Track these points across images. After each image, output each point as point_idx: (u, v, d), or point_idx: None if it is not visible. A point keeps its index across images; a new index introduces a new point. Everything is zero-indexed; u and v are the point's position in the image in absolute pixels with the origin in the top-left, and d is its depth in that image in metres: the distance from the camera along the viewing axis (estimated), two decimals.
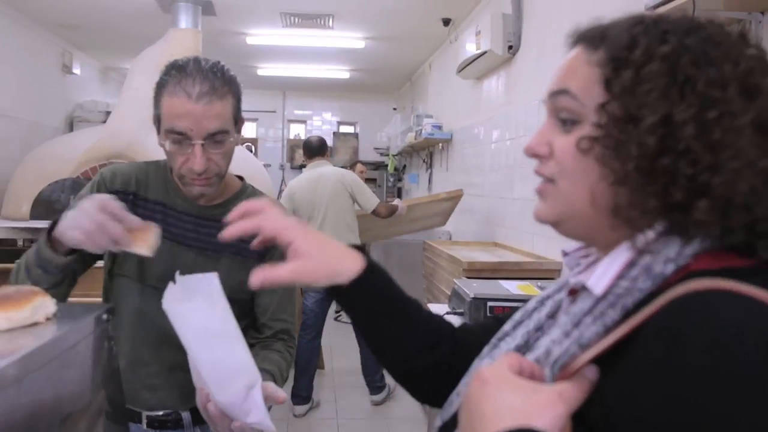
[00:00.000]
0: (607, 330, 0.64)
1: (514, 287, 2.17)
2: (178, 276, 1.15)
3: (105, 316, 1.14)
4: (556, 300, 0.80)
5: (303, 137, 9.57)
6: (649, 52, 0.66)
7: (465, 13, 5.20)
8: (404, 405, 4.31)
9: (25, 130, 5.67)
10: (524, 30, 3.97)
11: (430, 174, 6.69)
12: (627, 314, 0.63)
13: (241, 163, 4.34)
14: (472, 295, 2.02)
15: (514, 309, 1.99)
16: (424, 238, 5.43)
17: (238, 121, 1.42)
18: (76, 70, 6.87)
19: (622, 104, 0.66)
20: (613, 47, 0.68)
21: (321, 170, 4.32)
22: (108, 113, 6.57)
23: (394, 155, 7.82)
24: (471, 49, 4.45)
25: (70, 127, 6.64)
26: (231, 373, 1.15)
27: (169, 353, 1.43)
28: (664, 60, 0.65)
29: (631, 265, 0.66)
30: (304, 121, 9.67)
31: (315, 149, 4.48)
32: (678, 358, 0.55)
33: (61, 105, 6.57)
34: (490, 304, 2.01)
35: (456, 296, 2.17)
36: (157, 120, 1.37)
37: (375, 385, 4.37)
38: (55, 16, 5.65)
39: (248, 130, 9.56)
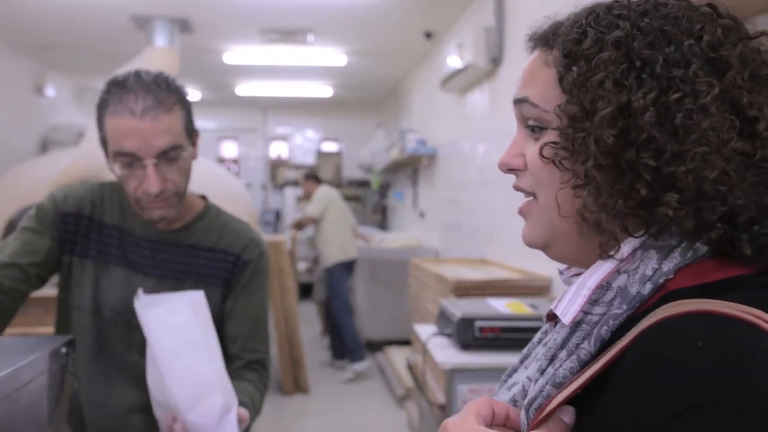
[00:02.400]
0: (583, 365, 0.57)
1: (502, 305, 2.06)
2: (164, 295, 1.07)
3: (64, 350, 1.02)
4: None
5: (285, 156, 9.46)
6: (600, 40, 0.61)
7: (446, 26, 5.13)
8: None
9: None
10: (507, 42, 3.90)
11: (416, 191, 6.59)
12: (603, 346, 0.58)
13: (222, 182, 4.29)
14: (459, 315, 1.90)
15: (505, 329, 1.89)
16: (409, 256, 5.34)
17: (191, 134, 1.31)
18: (50, 92, 6.73)
19: (575, 100, 0.61)
20: (564, 43, 0.64)
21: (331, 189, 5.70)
22: (81, 134, 6.42)
23: (378, 172, 7.72)
24: (454, 62, 4.38)
25: (44, 149, 6.48)
26: (206, 389, 1.06)
27: (129, 392, 1.31)
28: (617, 46, 0.59)
29: (605, 287, 0.59)
30: (285, 139, 9.55)
31: (319, 177, 5.93)
32: (648, 407, 0.49)
33: (34, 127, 6.41)
34: (478, 324, 1.90)
35: (443, 317, 2.05)
36: (104, 142, 1.26)
37: (358, 354, 5.10)
38: (28, 37, 5.51)
39: (229, 149, 9.43)
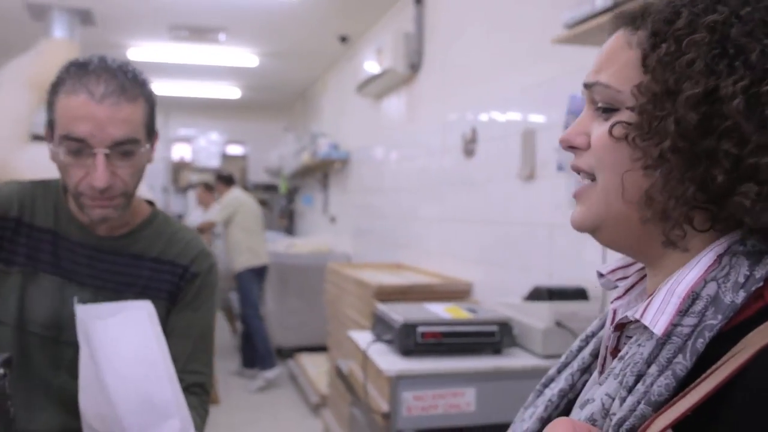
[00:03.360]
0: (680, 383, 0.53)
1: (441, 310, 2.05)
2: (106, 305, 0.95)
3: (1, 371, 0.90)
4: (600, 337, 0.70)
5: (188, 158, 9.13)
6: (694, 22, 0.58)
7: (362, 30, 5.12)
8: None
9: None
10: (426, 49, 3.93)
11: (326, 195, 6.53)
12: (700, 359, 0.53)
13: None
14: (401, 321, 1.87)
15: (446, 334, 1.88)
16: (320, 262, 5.28)
17: (151, 133, 1.19)
18: None
19: (659, 78, 0.58)
20: (654, 23, 0.61)
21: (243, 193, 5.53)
22: None
23: (286, 176, 7.59)
24: (371, 67, 4.37)
25: None
26: (163, 414, 0.96)
27: (52, 418, 1.18)
28: (711, 30, 0.57)
29: (692, 296, 0.56)
30: (189, 141, 9.22)
31: (232, 179, 5.63)
32: None
33: None
34: (420, 329, 1.87)
35: (381, 323, 2.01)
36: (51, 126, 1.13)
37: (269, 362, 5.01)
38: None
39: None
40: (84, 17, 4.75)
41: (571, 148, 0.67)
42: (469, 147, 3.26)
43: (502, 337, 1.93)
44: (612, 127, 0.61)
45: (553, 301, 1.95)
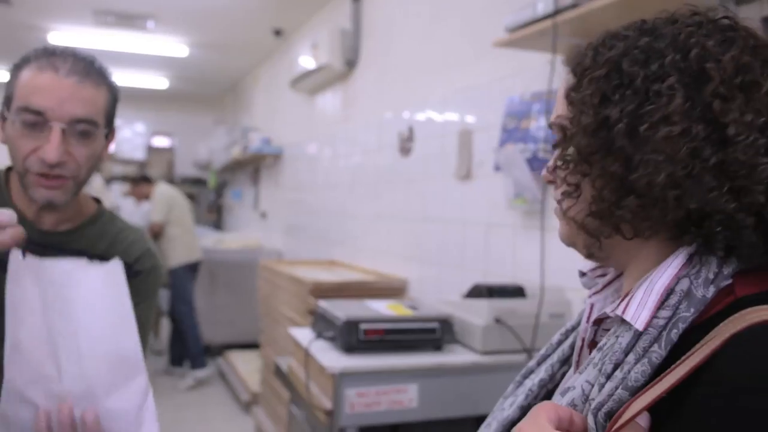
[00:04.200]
0: (656, 370, 0.58)
1: (383, 307, 2.06)
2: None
3: None
4: (580, 331, 0.73)
5: (111, 149, 8.79)
6: (597, 59, 0.65)
7: (297, 24, 5.07)
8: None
9: None
10: (363, 46, 3.93)
11: (257, 191, 6.44)
12: (673, 348, 0.58)
13: None
14: (344, 318, 1.87)
15: (389, 331, 1.89)
16: (250, 258, 5.20)
17: (110, 127, 1.17)
18: None
19: (571, 112, 0.66)
20: (572, 63, 0.69)
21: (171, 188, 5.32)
22: None
23: (215, 170, 7.44)
24: (306, 62, 4.33)
25: None
26: (133, 368, 0.92)
27: None
28: (608, 64, 0.64)
29: (668, 292, 0.61)
30: None
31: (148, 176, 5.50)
32: (747, 414, 0.51)
33: None
34: (363, 326, 1.87)
35: (322, 320, 2.00)
36: (8, 101, 1.10)
37: (199, 360, 4.89)
38: None
39: None
40: None
41: (549, 182, 0.74)
42: (406, 145, 3.28)
43: (443, 334, 1.96)
44: (554, 159, 0.71)
45: (493, 298, 1.99)
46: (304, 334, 2.05)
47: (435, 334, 1.95)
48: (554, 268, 1.99)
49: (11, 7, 4.78)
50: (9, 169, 1.20)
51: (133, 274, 1.21)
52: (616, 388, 0.58)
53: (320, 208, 4.60)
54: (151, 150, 8.90)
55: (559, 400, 0.64)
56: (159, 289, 1.31)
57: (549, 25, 1.81)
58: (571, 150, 0.66)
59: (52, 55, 1.09)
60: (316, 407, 1.80)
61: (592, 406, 0.58)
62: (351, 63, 4.00)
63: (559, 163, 0.68)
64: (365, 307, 2.04)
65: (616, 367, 0.59)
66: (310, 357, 1.88)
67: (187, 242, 5.01)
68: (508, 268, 2.44)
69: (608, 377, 0.59)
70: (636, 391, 0.57)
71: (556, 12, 1.79)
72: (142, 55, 6.12)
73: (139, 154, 8.78)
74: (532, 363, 0.78)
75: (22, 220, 1.15)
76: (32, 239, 1.15)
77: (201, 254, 5.13)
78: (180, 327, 4.97)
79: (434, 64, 3.07)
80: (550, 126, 0.72)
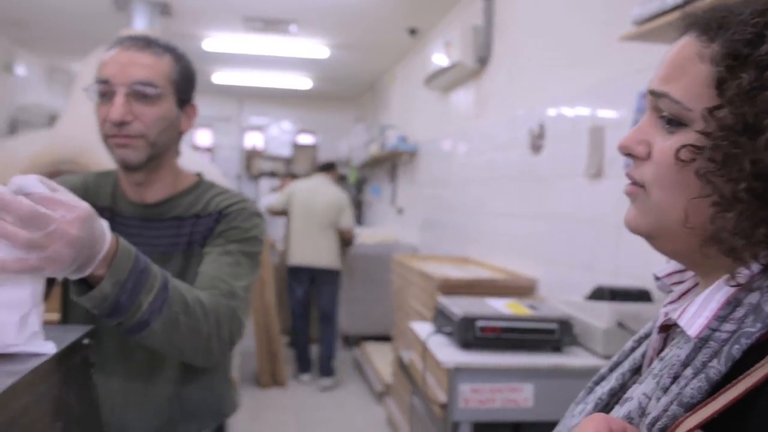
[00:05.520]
0: (713, 386, 0.54)
1: (502, 306, 2.06)
2: None
3: (86, 341, 0.98)
4: (651, 340, 0.70)
5: (261, 146, 9.35)
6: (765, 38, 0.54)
7: (432, 23, 5.13)
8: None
9: None
10: (495, 42, 3.91)
11: (394, 187, 6.59)
12: (735, 365, 0.54)
13: (198, 168, 4.20)
14: (461, 315, 1.90)
15: (505, 329, 1.90)
16: (387, 252, 5.33)
17: (182, 96, 1.29)
18: (20, 70, 6.53)
19: (737, 111, 0.55)
20: (732, 42, 0.57)
21: (320, 182, 5.13)
22: (53, 116, 6.25)
23: (355, 167, 7.69)
24: (439, 60, 4.37)
25: (12, 129, 6.29)
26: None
27: (131, 378, 1.27)
28: None
29: (733, 303, 0.56)
30: (261, 129, 9.45)
31: (322, 166, 5.43)
32: None
33: (2, 106, 6.22)
34: (479, 323, 1.90)
35: (441, 315, 2.05)
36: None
37: (329, 369, 4.83)
38: None
39: (203, 137, 9.29)
40: (163, 9, 4.95)
41: (629, 155, 0.64)
42: (537, 142, 3.23)
43: (563, 335, 1.94)
44: (679, 149, 0.58)
45: (615, 301, 1.94)
46: (423, 329, 2.11)
47: (554, 335, 1.94)
48: None
49: (172, 19, 5.23)
50: None
51: (221, 216, 1.30)
52: (671, 403, 0.55)
53: (455, 204, 4.63)
54: (297, 147, 9.36)
55: (618, 411, 0.61)
56: (253, 232, 1.30)
57: (677, 18, 1.73)
58: (730, 153, 0.55)
59: (124, 39, 1.25)
60: (432, 400, 1.85)
61: (647, 420, 0.56)
62: (483, 60, 3.99)
63: (697, 159, 0.57)
64: (483, 305, 2.05)
65: (674, 380, 0.56)
66: (428, 351, 1.93)
67: (292, 243, 4.97)
68: (639, 271, 2.35)
69: (665, 390, 0.56)
70: (691, 408, 0.53)
71: (686, 2, 1.71)
72: (287, 58, 6.46)
73: (286, 151, 9.27)
74: (604, 369, 0.74)
75: (129, 203, 1.31)
76: (137, 215, 1.31)
77: (300, 261, 4.93)
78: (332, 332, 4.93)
79: (566, 59, 3.01)
80: (655, 94, 0.61)
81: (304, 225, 4.91)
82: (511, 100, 3.63)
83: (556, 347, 1.95)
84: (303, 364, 5.00)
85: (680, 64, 0.61)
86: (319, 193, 5.00)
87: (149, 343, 1.07)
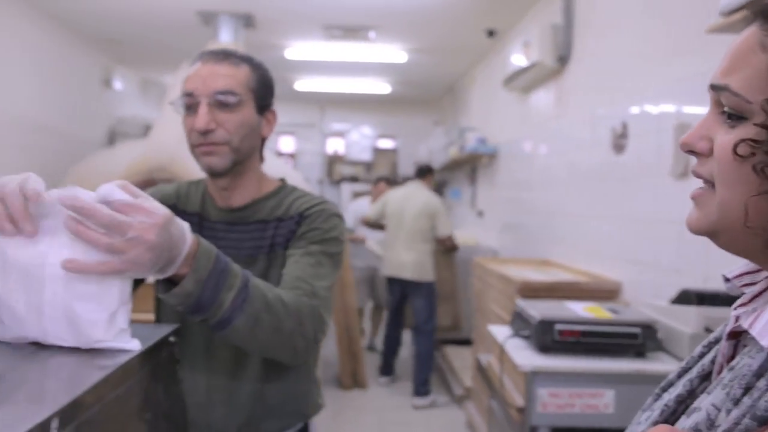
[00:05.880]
0: None
1: (581, 309, 2.02)
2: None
3: (172, 338, 1.03)
4: (721, 346, 0.66)
5: (342, 151, 9.51)
6: None
7: (511, 24, 5.08)
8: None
9: (67, 143, 5.69)
10: (575, 41, 3.83)
11: (474, 189, 6.55)
12: None
13: (282, 173, 4.32)
14: (538, 318, 1.88)
15: (585, 333, 1.86)
16: (468, 255, 5.29)
17: (261, 104, 1.34)
18: (117, 84, 6.91)
19: None
20: None
21: (413, 189, 4.94)
22: (147, 127, 6.58)
23: (435, 170, 7.69)
24: (518, 60, 4.32)
25: (111, 140, 6.67)
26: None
27: (214, 377, 1.32)
28: None
29: None
30: (342, 135, 9.60)
31: (417, 171, 5.18)
32: None
33: (101, 118, 6.60)
34: (558, 327, 1.87)
35: (519, 318, 2.03)
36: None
37: (421, 389, 4.52)
38: (98, 31, 5.68)
39: (286, 143, 9.54)
40: (247, 21, 5.12)
41: (691, 152, 0.63)
42: (619, 142, 3.14)
43: (646, 339, 1.87)
44: (737, 144, 0.56)
45: (703, 305, 1.86)
46: (501, 332, 2.09)
47: (637, 339, 1.88)
48: None
49: (255, 30, 5.41)
50: None
51: (302, 219, 1.34)
52: (743, 416, 0.51)
53: (535, 206, 4.56)
54: (377, 151, 9.46)
55: (684, 421, 0.58)
56: (332, 233, 1.33)
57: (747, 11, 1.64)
58: None
59: (206, 53, 1.32)
60: (510, 404, 1.83)
61: None
62: (563, 59, 3.92)
63: (756, 154, 0.56)
64: (562, 308, 2.02)
65: (745, 391, 0.53)
66: (505, 354, 1.91)
67: (385, 252, 4.95)
68: None
69: (736, 403, 0.53)
70: (765, 422, 0.50)
71: None
72: (366, 63, 6.55)
73: (366, 156, 9.39)
74: (672, 375, 0.71)
75: (217, 208, 1.37)
76: (224, 220, 1.37)
77: (389, 272, 4.87)
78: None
79: (649, 54, 2.91)
80: (715, 87, 0.59)
81: (394, 235, 4.80)
82: (592, 99, 3.55)
83: (640, 352, 1.89)
84: (385, 369, 5.02)
85: (742, 56, 0.58)
86: (410, 202, 4.82)
87: (233, 339, 1.11)
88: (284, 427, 1.37)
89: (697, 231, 0.64)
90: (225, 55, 1.31)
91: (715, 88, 0.60)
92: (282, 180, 1.46)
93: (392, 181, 5.71)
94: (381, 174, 7.91)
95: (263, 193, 1.40)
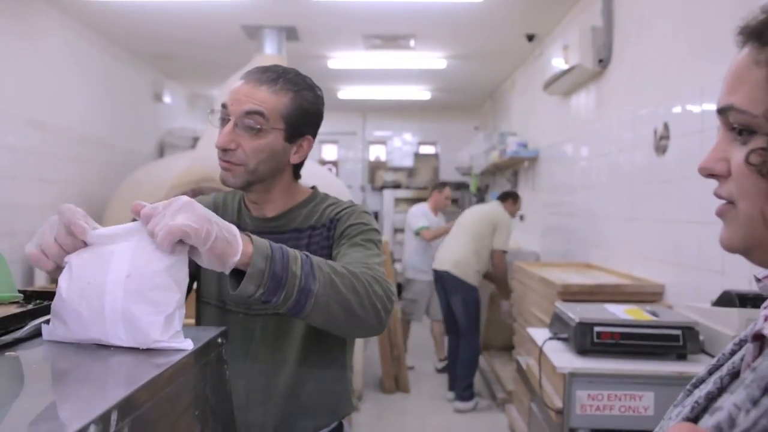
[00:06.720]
0: None
1: (621, 311, 2.03)
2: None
3: (220, 340, 1.09)
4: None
5: (383, 158, 9.58)
6: None
7: (550, 27, 5.07)
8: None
9: (120, 155, 5.90)
10: (615, 42, 3.81)
11: None
12: None
13: (325, 181, 4.41)
14: (577, 320, 1.89)
15: (625, 335, 1.86)
16: (510, 260, 5.28)
17: (293, 131, 1.33)
18: (167, 98, 7.13)
19: None
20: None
21: (489, 207, 4.99)
22: (195, 139, 6.78)
23: (476, 174, 7.69)
24: (558, 64, 4.32)
25: (161, 152, 6.88)
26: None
27: (251, 384, 1.38)
28: None
29: None
30: (384, 142, 9.69)
31: (501, 195, 5.09)
32: None
33: (152, 131, 6.82)
34: (597, 329, 1.88)
35: (558, 321, 2.05)
36: None
37: (464, 393, 4.49)
38: (148, 47, 5.88)
39: (329, 152, 9.66)
40: (290, 33, 5.24)
41: (710, 175, 0.64)
42: (661, 143, 3.12)
43: (687, 342, 1.87)
44: (748, 154, 0.58)
45: (745, 307, 1.85)
46: (540, 334, 2.11)
47: (677, 341, 1.88)
48: None
49: (300, 42, 5.52)
50: None
51: (333, 223, 1.38)
52: (761, 416, 0.52)
53: (576, 209, 4.54)
54: (418, 157, 9.50)
55: (707, 420, 0.58)
56: (368, 225, 1.36)
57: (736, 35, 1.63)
58: None
59: (252, 71, 1.33)
60: (548, 406, 1.85)
61: None
62: (603, 61, 3.90)
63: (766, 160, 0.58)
64: (602, 310, 2.03)
65: (764, 392, 0.53)
66: (544, 356, 1.93)
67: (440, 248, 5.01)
68: None
69: (755, 403, 0.53)
70: None
71: None
72: (406, 70, 6.61)
73: (408, 162, 9.45)
74: (703, 372, 0.72)
75: (252, 217, 1.43)
76: (258, 229, 1.40)
77: (435, 265, 4.93)
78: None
79: (691, 53, 2.89)
80: (722, 110, 0.62)
81: (452, 234, 4.90)
82: (633, 100, 3.53)
83: (681, 354, 1.89)
84: (450, 383, 4.77)
85: (739, 75, 0.62)
86: (478, 210, 4.98)
87: (318, 313, 1.07)
88: (319, 425, 1.41)
89: (729, 249, 0.65)
90: (270, 78, 1.30)
91: (721, 111, 0.63)
92: (313, 188, 1.50)
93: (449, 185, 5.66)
94: (438, 180, 7.88)
95: (296, 202, 1.43)
